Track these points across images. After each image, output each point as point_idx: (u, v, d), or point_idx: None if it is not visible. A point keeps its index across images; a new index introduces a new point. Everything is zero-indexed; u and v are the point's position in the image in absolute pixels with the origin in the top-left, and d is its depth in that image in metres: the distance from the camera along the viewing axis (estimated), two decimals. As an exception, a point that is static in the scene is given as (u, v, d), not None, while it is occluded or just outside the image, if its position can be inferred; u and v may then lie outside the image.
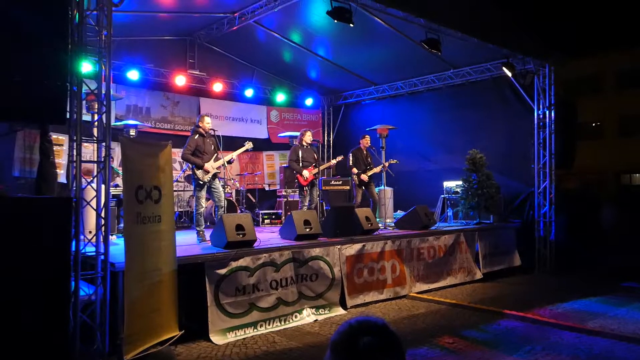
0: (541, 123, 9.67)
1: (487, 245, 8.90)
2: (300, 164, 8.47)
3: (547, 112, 9.60)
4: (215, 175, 7.14)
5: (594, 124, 23.39)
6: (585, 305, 6.79)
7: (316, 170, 8.56)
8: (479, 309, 6.63)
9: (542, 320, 5.99)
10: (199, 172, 6.97)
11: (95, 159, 4.72)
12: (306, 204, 8.55)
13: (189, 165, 7.35)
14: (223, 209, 7.17)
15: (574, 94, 14.48)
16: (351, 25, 7.27)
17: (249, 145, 7.86)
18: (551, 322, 5.92)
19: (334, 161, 9.32)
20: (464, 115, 10.87)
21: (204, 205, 7.12)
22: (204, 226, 7.02)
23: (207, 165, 6.97)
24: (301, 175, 8.46)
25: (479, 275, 8.58)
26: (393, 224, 8.94)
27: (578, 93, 18.33)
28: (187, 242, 6.70)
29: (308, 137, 8.68)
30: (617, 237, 9.80)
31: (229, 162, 7.45)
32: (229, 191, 10.11)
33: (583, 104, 12.19)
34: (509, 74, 9.12)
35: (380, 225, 8.13)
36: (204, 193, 7.07)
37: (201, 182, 6.97)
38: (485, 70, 10.18)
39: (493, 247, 9.03)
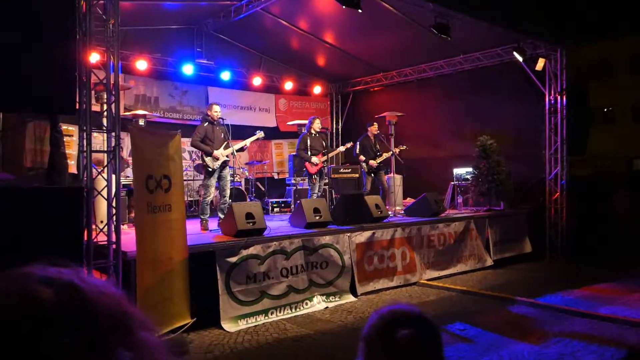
0: (552, 108, 9.54)
1: (497, 231, 8.86)
2: (309, 153, 8.45)
3: (559, 97, 9.47)
4: (225, 164, 7.15)
5: (606, 109, 23.05)
6: (597, 292, 6.75)
7: (325, 157, 8.53)
8: (490, 295, 6.62)
9: (554, 307, 5.96)
10: (208, 159, 7.00)
11: (105, 149, 4.74)
12: (316, 191, 8.54)
13: (199, 154, 7.37)
14: (226, 198, 7.20)
15: (586, 79, 14.24)
16: (359, 11, 7.19)
17: (260, 134, 7.87)
18: (562, 308, 5.90)
19: (342, 148, 9.28)
20: (474, 101, 10.75)
21: (212, 193, 7.16)
22: (208, 216, 7.05)
23: (217, 153, 7.00)
24: (310, 162, 8.44)
25: (489, 262, 8.55)
26: (403, 212, 8.92)
27: (590, 78, 18.00)
28: (197, 230, 6.76)
29: (317, 125, 8.64)
30: (629, 223, 9.69)
31: (242, 149, 7.50)
32: (238, 180, 10.12)
33: (595, 89, 11.97)
34: (520, 58, 8.98)
35: (389, 212, 8.11)
36: (213, 181, 7.11)
37: (210, 170, 7.00)
38: (496, 55, 10.03)
39: (503, 234, 8.99)
